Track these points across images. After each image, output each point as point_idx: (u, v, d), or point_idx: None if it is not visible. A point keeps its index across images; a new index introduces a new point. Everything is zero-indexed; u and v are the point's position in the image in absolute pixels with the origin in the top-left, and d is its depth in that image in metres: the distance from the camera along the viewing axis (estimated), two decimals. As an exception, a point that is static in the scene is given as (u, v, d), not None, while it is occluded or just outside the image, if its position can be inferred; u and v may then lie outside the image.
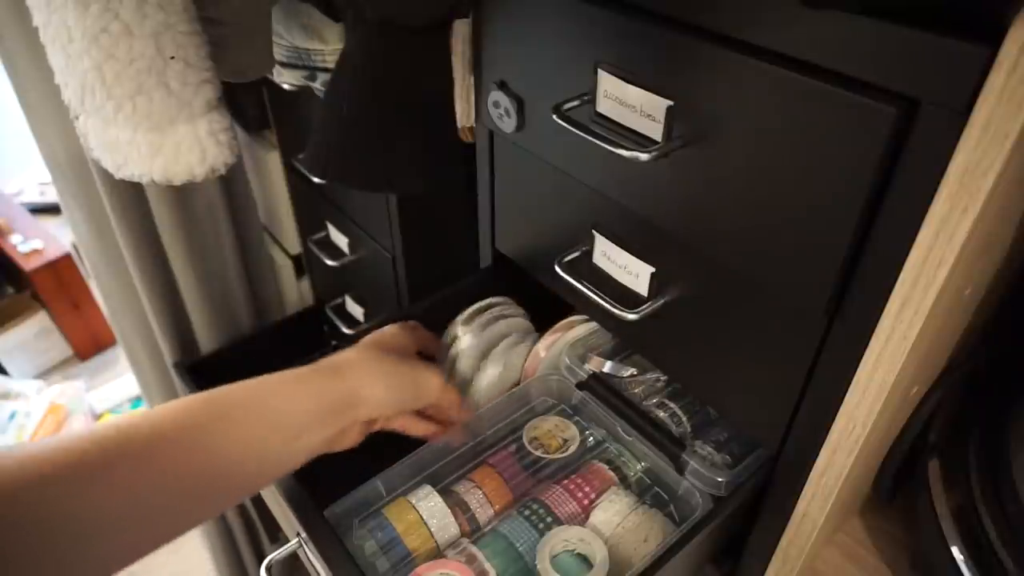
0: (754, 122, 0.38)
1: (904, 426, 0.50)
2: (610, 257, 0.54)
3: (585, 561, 0.51)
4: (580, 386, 0.61)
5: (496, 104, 0.55)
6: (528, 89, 0.53)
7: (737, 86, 0.38)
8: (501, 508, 0.55)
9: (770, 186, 0.39)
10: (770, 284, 0.42)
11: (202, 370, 1.02)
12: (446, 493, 0.55)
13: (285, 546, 0.52)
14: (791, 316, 0.43)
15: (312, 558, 0.49)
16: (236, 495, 0.46)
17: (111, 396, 2.04)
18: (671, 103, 0.41)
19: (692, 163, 0.42)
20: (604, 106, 0.46)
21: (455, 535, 0.53)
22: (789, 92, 0.35)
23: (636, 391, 0.60)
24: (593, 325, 0.64)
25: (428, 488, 0.54)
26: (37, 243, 2.06)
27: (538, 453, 0.59)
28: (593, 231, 0.54)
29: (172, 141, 0.53)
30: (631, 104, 0.44)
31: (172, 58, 0.49)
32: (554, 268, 0.55)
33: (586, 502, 0.54)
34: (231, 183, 0.94)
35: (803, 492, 0.47)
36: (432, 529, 0.52)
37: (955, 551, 0.44)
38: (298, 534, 0.50)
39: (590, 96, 0.46)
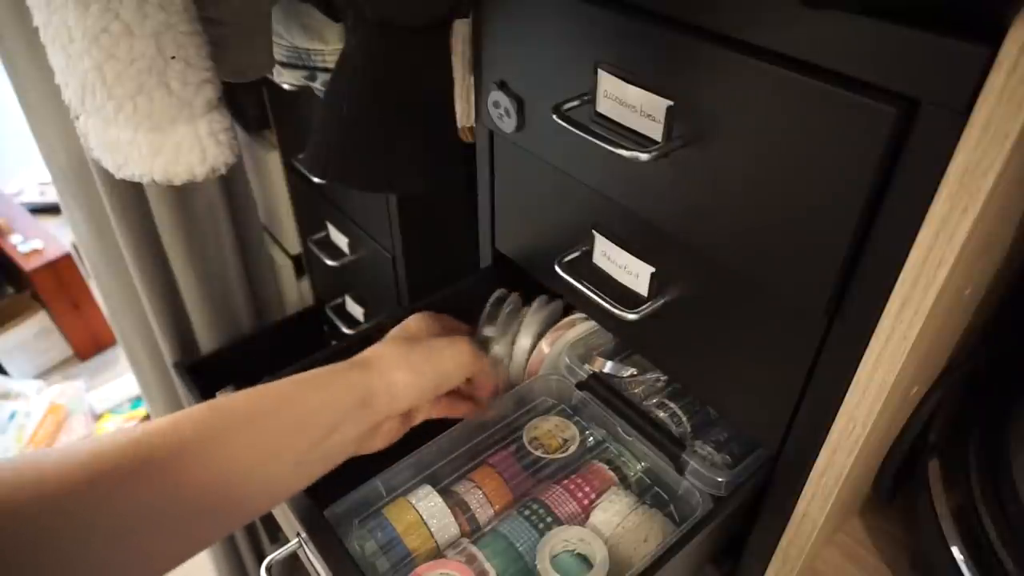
0: (754, 122, 0.38)
1: (904, 426, 0.50)
2: (610, 257, 0.54)
3: (585, 561, 0.51)
4: (580, 386, 0.61)
5: (496, 104, 0.55)
6: (528, 89, 0.53)
7: (737, 86, 0.38)
8: (501, 508, 0.55)
9: (770, 186, 0.39)
10: (770, 284, 0.42)
11: (202, 370, 1.02)
12: (446, 493, 0.55)
13: (285, 546, 0.52)
14: (791, 316, 0.43)
15: (312, 558, 0.49)
16: (263, 504, 0.45)
17: (111, 396, 2.04)
18: (671, 103, 0.41)
19: (692, 163, 0.42)
20: (604, 106, 0.46)
21: (455, 535, 0.53)
22: (789, 92, 0.35)
23: (636, 391, 0.60)
24: (594, 323, 0.65)
25: (428, 488, 0.54)
26: (37, 243, 2.06)
27: (538, 453, 0.59)
28: (593, 231, 0.54)
29: (172, 141, 0.53)
30: (631, 104, 0.44)
31: (173, 58, 0.49)
32: (554, 268, 0.55)
33: (586, 502, 0.54)
34: (231, 183, 0.94)
35: (803, 492, 0.47)
36: (432, 529, 0.52)
37: (955, 551, 0.44)
38: (298, 534, 0.50)
39: (590, 96, 0.46)
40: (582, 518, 0.54)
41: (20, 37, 0.74)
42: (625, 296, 0.53)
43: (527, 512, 0.53)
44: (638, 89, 0.43)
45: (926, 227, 0.33)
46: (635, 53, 0.43)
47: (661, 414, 0.58)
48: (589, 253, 0.55)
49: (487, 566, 0.50)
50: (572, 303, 0.64)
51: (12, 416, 1.92)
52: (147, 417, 1.92)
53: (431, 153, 0.55)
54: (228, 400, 0.44)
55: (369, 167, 0.54)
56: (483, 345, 0.67)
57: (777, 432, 0.47)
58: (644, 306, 0.51)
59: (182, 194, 0.87)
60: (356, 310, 1.05)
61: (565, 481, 0.55)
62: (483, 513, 0.54)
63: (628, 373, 0.61)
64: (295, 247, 1.16)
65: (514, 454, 0.59)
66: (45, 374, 2.16)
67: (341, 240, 0.98)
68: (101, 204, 0.87)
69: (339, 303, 1.08)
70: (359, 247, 0.94)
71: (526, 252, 0.65)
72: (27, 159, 2.23)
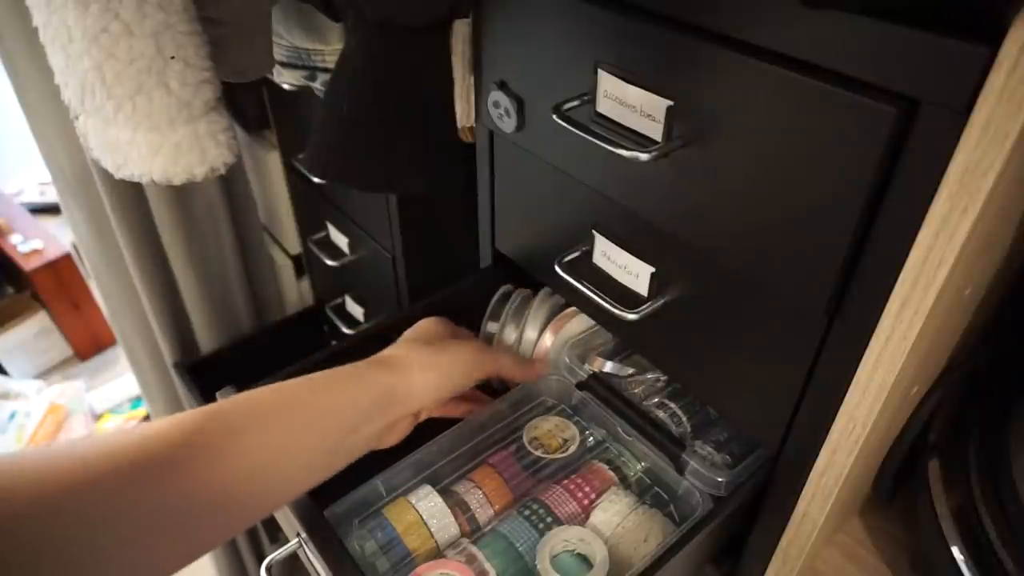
0: (754, 122, 0.38)
1: (904, 426, 0.50)
2: (610, 257, 0.54)
3: (585, 561, 0.51)
4: (580, 386, 0.61)
5: (496, 104, 0.55)
6: (528, 89, 0.53)
7: (737, 86, 0.38)
8: (501, 508, 0.55)
9: (770, 186, 0.39)
10: (770, 284, 0.42)
11: (202, 370, 1.02)
12: (446, 493, 0.55)
13: (285, 546, 0.52)
14: (791, 316, 0.43)
15: (312, 558, 0.49)
16: (279, 500, 0.45)
17: (111, 396, 2.04)
18: (671, 103, 0.41)
19: (692, 163, 0.42)
20: (604, 106, 0.46)
21: (455, 535, 0.53)
22: (789, 92, 0.35)
23: (636, 391, 0.60)
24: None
25: (428, 488, 0.54)
26: (37, 243, 2.06)
27: (538, 453, 0.59)
28: (593, 231, 0.54)
29: (172, 141, 0.53)
30: (631, 104, 0.44)
31: (172, 58, 0.49)
32: (554, 268, 0.55)
33: (586, 502, 0.54)
34: (231, 183, 0.94)
35: (803, 492, 0.47)
36: (432, 529, 0.52)
37: (955, 551, 0.44)
38: (298, 534, 0.50)
39: (590, 96, 0.46)
40: (582, 518, 0.54)
41: (20, 37, 0.74)
42: (625, 296, 0.53)
43: (527, 512, 0.53)
44: (638, 89, 0.43)
45: (926, 227, 0.33)
46: (635, 53, 0.43)
47: (661, 414, 0.58)
48: (589, 253, 0.55)
49: (487, 566, 0.50)
50: (572, 303, 0.64)
51: (12, 416, 1.92)
52: (147, 417, 1.92)
53: (431, 153, 0.55)
54: (253, 395, 0.44)
55: (369, 167, 0.54)
56: (487, 341, 0.68)
57: (777, 432, 0.47)
58: (644, 306, 0.51)
59: (182, 194, 0.87)
60: (356, 310, 1.05)
61: (565, 481, 0.55)
62: (483, 513, 0.54)
63: (628, 373, 0.61)
64: (295, 247, 1.16)
65: (514, 454, 0.59)
66: (45, 374, 2.16)
67: (341, 240, 0.98)
68: (101, 204, 0.87)
69: (339, 303, 1.08)
70: (359, 247, 0.94)
71: (526, 252, 0.65)
72: (27, 159, 2.23)
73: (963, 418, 0.49)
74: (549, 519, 0.53)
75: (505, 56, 0.53)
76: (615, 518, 0.52)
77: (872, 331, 0.37)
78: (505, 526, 0.53)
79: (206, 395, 0.97)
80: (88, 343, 2.22)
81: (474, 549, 0.51)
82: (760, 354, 0.46)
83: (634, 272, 0.52)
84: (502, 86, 0.54)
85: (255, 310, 1.08)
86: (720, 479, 0.50)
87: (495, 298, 0.68)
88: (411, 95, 0.52)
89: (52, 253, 2.04)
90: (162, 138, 0.52)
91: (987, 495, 0.44)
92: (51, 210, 2.35)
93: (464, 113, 0.61)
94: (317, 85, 0.68)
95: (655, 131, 0.43)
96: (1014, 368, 0.51)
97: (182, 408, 1.17)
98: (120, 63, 0.48)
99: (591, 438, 0.61)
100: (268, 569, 0.53)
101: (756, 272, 0.42)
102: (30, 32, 0.54)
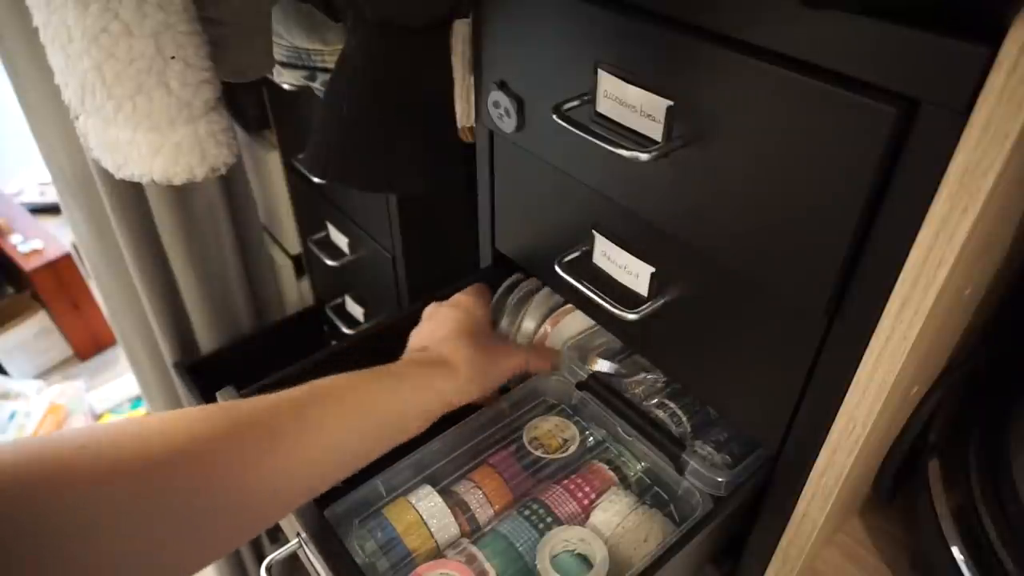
0: (754, 122, 0.38)
1: (904, 426, 0.50)
2: (610, 257, 0.54)
3: (585, 561, 0.51)
4: (580, 386, 0.61)
5: (496, 104, 0.55)
6: (528, 89, 0.53)
7: (737, 86, 0.38)
8: (501, 508, 0.55)
9: (770, 186, 0.39)
10: (770, 284, 0.42)
11: (202, 370, 1.02)
12: (446, 493, 0.55)
13: (285, 546, 0.52)
14: (791, 316, 0.43)
15: (312, 558, 0.49)
16: (305, 498, 0.46)
17: (111, 396, 2.04)
18: (671, 103, 0.41)
19: (692, 163, 0.42)
20: (604, 106, 0.46)
21: (455, 535, 0.53)
22: (789, 92, 0.35)
23: (636, 391, 0.60)
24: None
25: (428, 488, 0.54)
26: (37, 243, 2.06)
27: (538, 453, 0.59)
28: (593, 231, 0.54)
29: (172, 141, 0.53)
30: (631, 104, 0.44)
31: (172, 58, 0.49)
32: (554, 268, 0.55)
33: (586, 502, 0.54)
34: (231, 183, 0.94)
35: (803, 492, 0.47)
36: (432, 529, 0.52)
37: (955, 551, 0.44)
38: (298, 534, 0.50)
39: (590, 96, 0.46)
40: (582, 518, 0.54)
41: (20, 37, 0.74)
42: (625, 296, 0.53)
43: (527, 512, 0.53)
44: (638, 89, 0.43)
45: (926, 227, 0.33)
46: (635, 53, 0.43)
47: (661, 414, 0.58)
48: (589, 253, 0.55)
49: (487, 566, 0.50)
50: (572, 303, 0.64)
51: (12, 416, 1.92)
52: (147, 417, 1.91)
53: (431, 153, 0.55)
54: (320, 387, 0.45)
55: (369, 167, 0.54)
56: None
57: (777, 432, 0.47)
58: (644, 306, 0.51)
59: (182, 194, 0.87)
60: (356, 310, 1.05)
61: (565, 481, 0.55)
62: (483, 513, 0.54)
63: (621, 372, 0.61)
64: (295, 247, 1.16)
65: (514, 454, 0.59)
66: (45, 374, 2.16)
67: (341, 240, 0.98)
68: (101, 204, 0.87)
69: (339, 303, 1.08)
70: (359, 247, 0.94)
71: (526, 252, 0.65)
72: (27, 159, 2.22)
73: (963, 418, 0.49)
74: (549, 519, 0.53)
75: (505, 56, 0.53)
76: (615, 518, 0.52)
77: (872, 331, 0.37)
78: (505, 526, 0.53)
79: (206, 395, 0.97)
80: (88, 343, 2.22)
81: (474, 549, 0.51)
82: (760, 354, 0.46)
83: (634, 272, 0.52)
84: (502, 86, 0.54)
85: (255, 310, 1.08)
86: (720, 479, 0.50)
87: (501, 289, 0.69)
88: (411, 95, 0.52)
89: (52, 253, 2.04)
90: (162, 138, 0.52)
91: (987, 495, 0.44)
92: (51, 210, 2.35)
93: (464, 113, 0.61)
94: (317, 85, 0.68)
95: (655, 131, 0.43)
96: (1014, 368, 0.51)
97: (182, 408, 1.17)
98: (120, 63, 0.48)
99: (591, 438, 0.61)
100: (268, 569, 0.53)
101: (756, 272, 0.42)
102: (30, 32, 0.54)
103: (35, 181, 2.52)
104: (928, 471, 0.48)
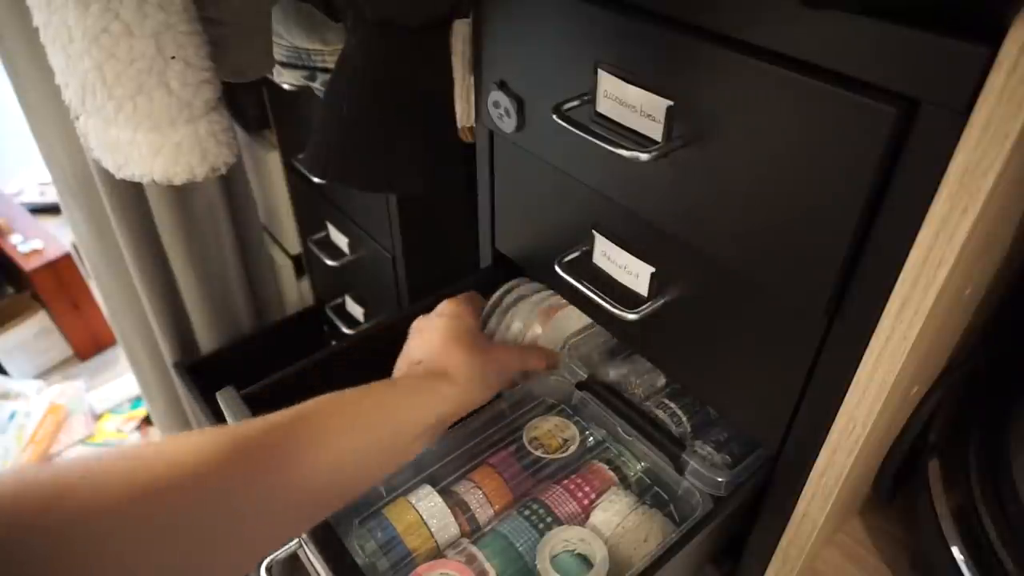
0: (754, 122, 0.38)
1: (904, 426, 0.50)
2: (610, 257, 0.54)
3: (585, 561, 0.51)
4: (580, 386, 0.61)
5: (496, 104, 0.55)
6: (528, 89, 0.53)
7: (737, 86, 0.38)
8: (501, 508, 0.55)
9: (770, 186, 0.39)
10: (770, 284, 0.42)
11: (202, 370, 1.02)
12: (446, 493, 0.55)
13: (285, 546, 0.52)
14: (791, 316, 0.43)
15: (312, 558, 0.49)
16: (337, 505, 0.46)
17: (111, 396, 2.04)
18: (671, 103, 0.41)
19: (692, 163, 0.42)
20: (604, 106, 0.46)
21: (455, 535, 0.53)
22: (789, 92, 0.35)
23: (636, 391, 0.60)
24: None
25: (428, 488, 0.54)
26: (37, 243, 2.06)
27: (538, 453, 0.59)
28: (593, 231, 0.54)
29: (172, 141, 0.53)
30: (631, 104, 0.44)
31: (172, 58, 0.49)
32: (554, 268, 0.55)
33: (586, 502, 0.54)
34: (231, 183, 0.94)
35: (803, 492, 0.47)
36: (432, 529, 0.52)
37: (955, 551, 0.44)
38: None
39: (590, 96, 0.46)
40: (582, 518, 0.54)
41: (20, 37, 0.74)
42: (625, 296, 0.53)
43: (527, 512, 0.53)
44: (638, 89, 0.43)
45: (926, 227, 0.33)
46: (635, 53, 0.43)
47: (661, 414, 0.58)
48: (589, 253, 0.55)
49: (487, 566, 0.50)
50: (572, 302, 0.64)
51: (12, 416, 1.92)
52: (147, 418, 1.92)
53: (431, 153, 0.55)
54: (332, 400, 0.46)
55: (369, 167, 0.54)
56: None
57: (777, 432, 0.47)
58: (644, 306, 0.51)
59: (182, 194, 0.87)
60: (356, 310, 1.05)
61: (565, 481, 0.55)
62: (483, 513, 0.54)
63: (625, 377, 0.61)
64: (295, 247, 1.17)
65: (514, 454, 0.59)
66: (45, 374, 2.16)
67: (341, 240, 0.98)
68: (101, 204, 0.87)
69: (339, 303, 1.08)
70: (359, 247, 0.94)
71: (526, 252, 0.65)
72: (27, 159, 2.22)
73: (963, 418, 0.49)
74: (549, 519, 0.53)
75: (505, 56, 0.53)
76: (615, 518, 0.52)
77: (872, 331, 0.37)
78: (505, 526, 0.53)
79: (206, 395, 0.97)
80: (88, 343, 2.22)
81: (474, 549, 0.51)
82: (760, 354, 0.46)
83: (634, 272, 0.52)
84: (502, 86, 0.54)
85: (255, 310, 1.08)
86: (720, 479, 0.50)
87: (496, 294, 0.68)
88: (411, 95, 0.52)
89: (52, 253, 2.04)
90: (163, 138, 0.52)
91: (987, 495, 0.44)
92: (51, 210, 2.35)
93: (464, 113, 0.61)
94: (317, 85, 0.68)
95: (655, 131, 0.43)
96: (1014, 368, 0.51)
97: (182, 408, 1.17)
98: (121, 63, 0.48)
99: (591, 438, 0.61)
100: (268, 569, 0.53)
101: (756, 272, 0.42)
102: (30, 32, 0.54)
103: (35, 181, 2.52)
104: (928, 471, 0.48)
